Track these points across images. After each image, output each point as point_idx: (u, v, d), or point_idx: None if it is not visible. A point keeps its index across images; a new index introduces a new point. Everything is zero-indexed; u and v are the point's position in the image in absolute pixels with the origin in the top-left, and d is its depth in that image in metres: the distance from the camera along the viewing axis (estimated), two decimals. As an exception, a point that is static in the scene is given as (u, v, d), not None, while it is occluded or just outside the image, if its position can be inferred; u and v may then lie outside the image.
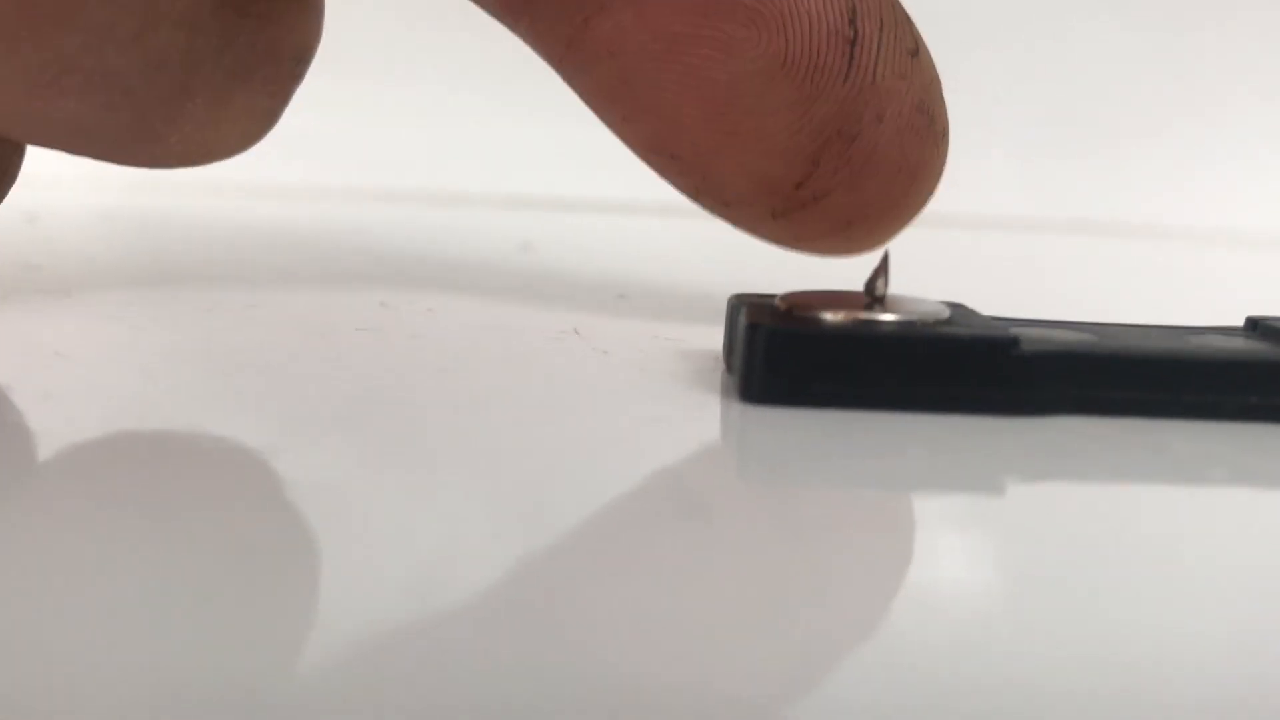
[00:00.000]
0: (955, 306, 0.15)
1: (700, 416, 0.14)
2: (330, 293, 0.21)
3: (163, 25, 0.15)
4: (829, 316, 0.14)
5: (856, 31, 0.16)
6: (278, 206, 0.35)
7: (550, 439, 0.13)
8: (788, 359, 0.14)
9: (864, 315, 0.14)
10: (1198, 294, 0.29)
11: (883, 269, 0.15)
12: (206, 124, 0.17)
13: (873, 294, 0.15)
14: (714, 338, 0.16)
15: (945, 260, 0.29)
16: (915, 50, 0.16)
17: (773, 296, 0.15)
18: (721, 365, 0.16)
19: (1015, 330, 0.15)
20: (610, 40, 0.16)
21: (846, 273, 0.18)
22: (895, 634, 0.09)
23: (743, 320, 0.14)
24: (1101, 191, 0.40)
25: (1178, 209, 0.40)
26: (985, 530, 0.12)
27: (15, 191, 0.17)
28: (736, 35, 0.16)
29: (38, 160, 0.17)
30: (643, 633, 0.09)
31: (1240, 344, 0.15)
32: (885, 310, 0.14)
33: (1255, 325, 0.16)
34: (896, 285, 0.15)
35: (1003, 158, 0.39)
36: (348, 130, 0.39)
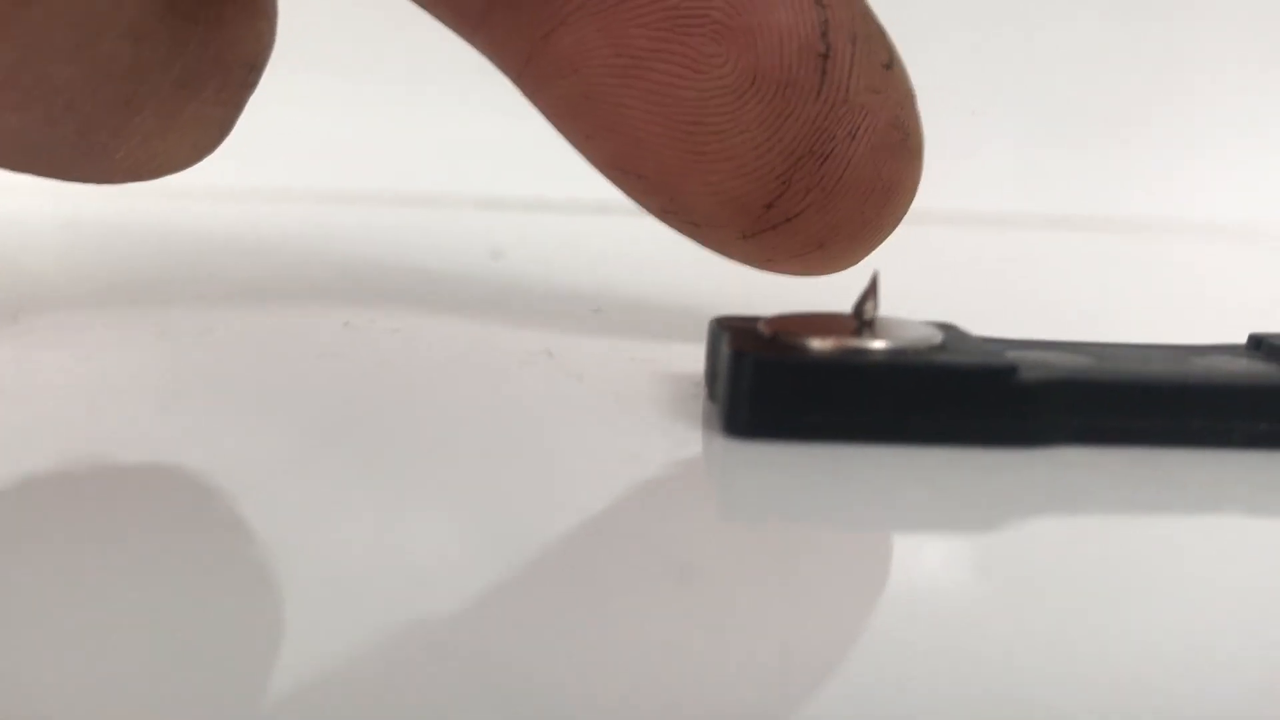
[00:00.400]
0: (947, 329, 0.15)
1: (682, 453, 0.13)
2: (291, 310, 0.20)
3: (106, 35, 0.14)
4: (817, 344, 0.13)
5: (829, 46, 0.15)
6: (241, 210, 0.34)
7: (522, 480, 0.12)
8: (774, 391, 0.13)
9: (853, 342, 0.13)
10: (1187, 290, 0.28)
11: (872, 291, 0.14)
12: (155, 136, 0.16)
13: (862, 318, 0.14)
14: (694, 358, 0.16)
15: (932, 258, 0.29)
16: (889, 64, 0.16)
17: (756, 319, 0.15)
18: (703, 391, 0.15)
19: (1011, 354, 0.14)
20: (572, 55, 0.15)
21: (832, 283, 0.17)
22: (893, 679, 0.08)
23: (726, 349, 0.13)
24: (1087, 186, 0.40)
25: (1161, 203, 0.39)
26: (986, 572, 0.11)
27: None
28: (704, 51, 0.15)
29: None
30: (618, 692, 0.08)
31: (1245, 365, 0.14)
32: (875, 335, 0.14)
33: (1259, 344, 0.15)
34: (883, 287, 0.14)
35: (989, 153, 0.39)
36: (312, 130, 0.38)
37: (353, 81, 0.38)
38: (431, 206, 0.38)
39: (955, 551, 0.12)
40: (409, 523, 0.11)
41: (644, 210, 0.17)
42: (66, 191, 0.17)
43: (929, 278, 0.25)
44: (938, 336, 0.14)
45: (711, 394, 0.15)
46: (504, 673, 0.08)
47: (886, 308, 0.14)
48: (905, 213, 0.17)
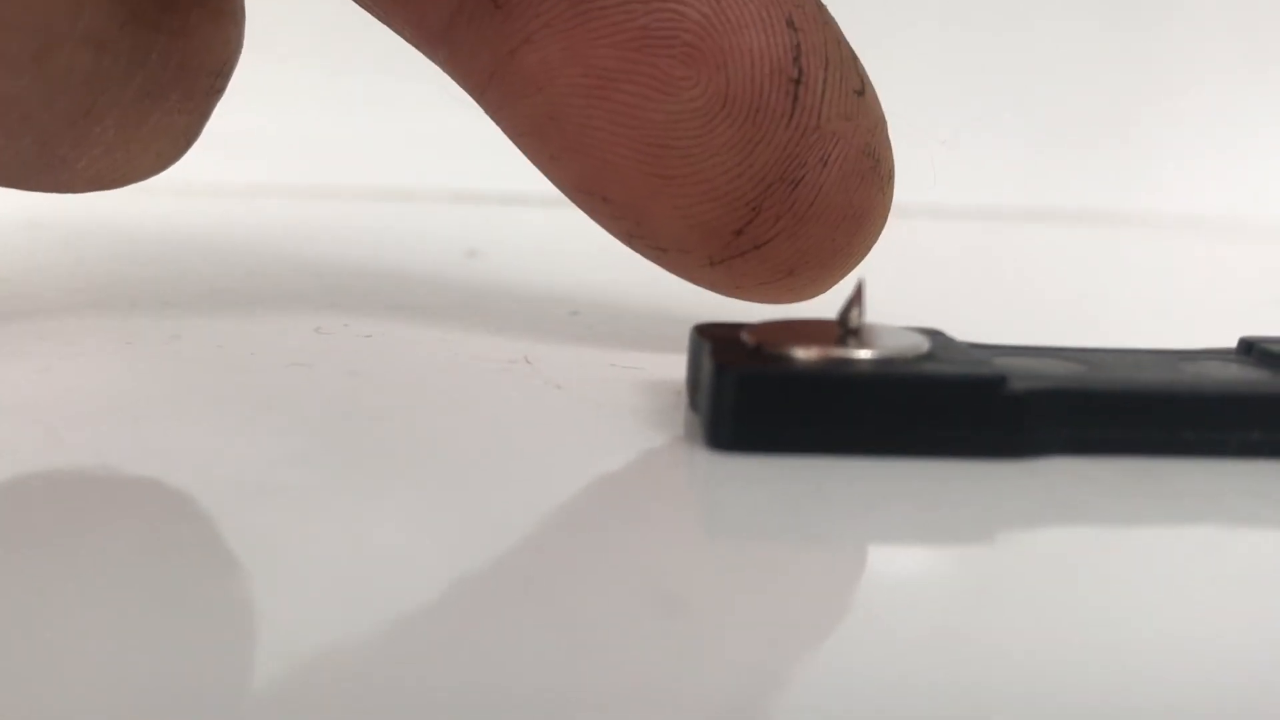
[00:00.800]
0: (933, 335, 0.14)
1: (665, 469, 0.13)
2: (261, 316, 0.19)
3: (64, 45, 0.14)
4: (801, 354, 0.13)
5: (801, 71, 0.14)
6: (210, 206, 0.34)
7: (498, 499, 0.12)
8: (759, 404, 0.13)
9: (838, 352, 0.13)
10: (1173, 283, 0.28)
11: (857, 298, 0.14)
12: (117, 147, 0.15)
13: (847, 325, 0.14)
14: (675, 365, 0.15)
15: (916, 253, 0.28)
16: (861, 90, 0.15)
17: (738, 327, 0.14)
18: (684, 399, 0.15)
19: (999, 361, 0.14)
20: (537, 74, 0.15)
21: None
22: (882, 692, 0.08)
23: (708, 361, 0.13)
24: (1071, 181, 0.40)
25: (1145, 197, 0.39)
26: (976, 586, 0.11)
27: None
28: (674, 73, 0.14)
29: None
30: (596, 708, 0.08)
31: (1236, 372, 0.14)
32: (861, 344, 0.13)
33: (1250, 348, 0.15)
34: (868, 292, 0.14)
35: (973, 148, 0.39)
36: (281, 125, 0.37)
37: (323, 75, 0.38)
38: (405, 201, 0.37)
39: (944, 565, 0.11)
40: (381, 536, 0.11)
41: (610, 235, 0.17)
42: (29, 193, 0.17)
43: (914, 273, 0.25)
44: (925, 344, 0.14)
45: (693, 403, 0.14)
46: (478, 687, 0.08)
47: (872, 303, 0.14)
48: (875, 240, 0.16)
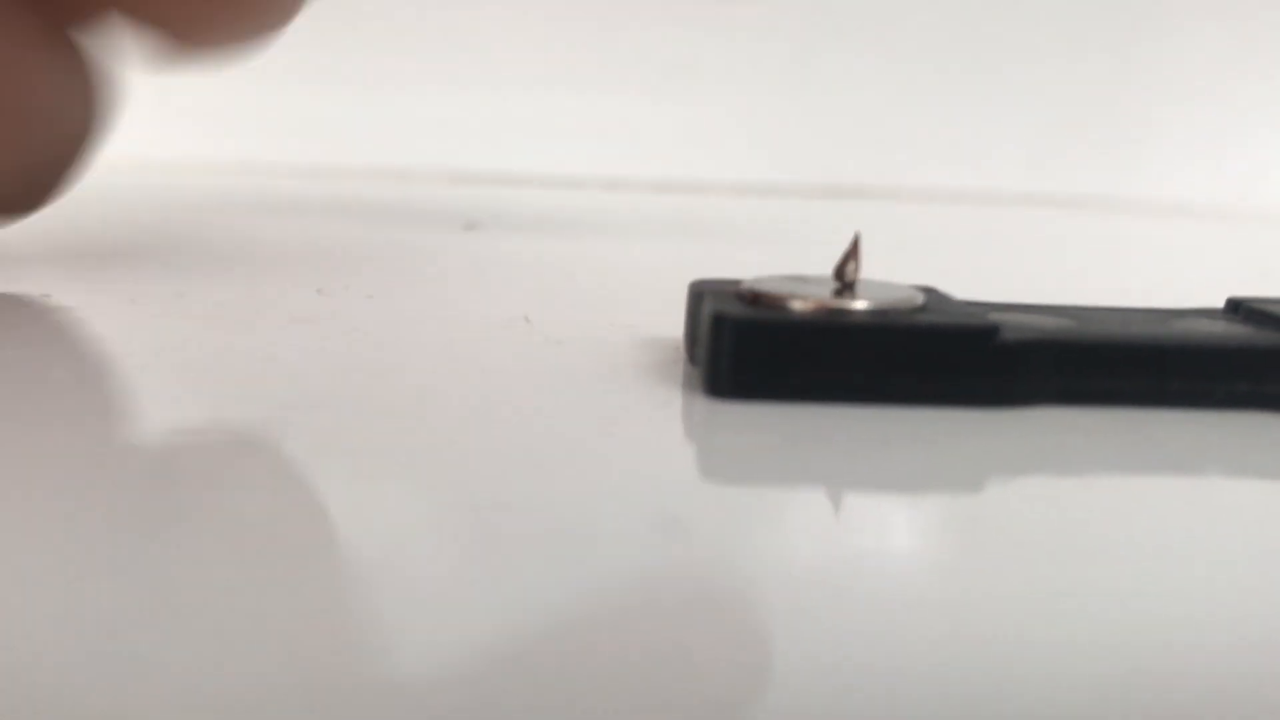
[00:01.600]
0: (928, 291, 0.15)
1: (665, 415, 0.13)
2: (264, 279, 0.20)
3: None
4: (798, 305, 0.13)
5: None
6: (213, 183, 0.34)
7: (501, 448, 0.12)
8: (756, 352, 0.13)
9: (835, 303, 0.13)
10: (1162, 265, 0.28)
11: (853, 252, 0.14)
12: None
13: (843, 279, 0.14)
14: (673, 324, 0.16)
15: (909, 234, 0.29)
16: None
17: (736, 282, 0.14)
18: (684, 355, 0.15)
19: (994, 316, 0.14)
20: None
21: (810, 252, 0.17)
22: (877, 638, 0.08)
23: (707, 310, 0.13)
24: (1060, 164, 0.40)
25: (1132, 182, 0.39)
26: (968, 532, 0.11)
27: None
28: None
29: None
30: (603, 665, 0.08)
31: (1224, 328, 0.14)
32: (856, 297, 0.14)
33: (1237, 307, 0.15)
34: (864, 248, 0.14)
35: (964, 131, 0.39)
36: (284, 103, 0.38)
37: (327, 53, 0.38)
38: (404, 180, 0.38)
39: (937, 511, 0.11)
40: (384, 490, 0.11)
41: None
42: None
43: (908, 252, 0.25)
44: (919, 298, 0.14)
45: (692, 358, 0.15)
46: (481, 643, 0.08)
47: (866, 274, 0.14)
48: None
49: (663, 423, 0.13)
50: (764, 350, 0.13)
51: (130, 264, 0.20)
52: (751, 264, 0.17)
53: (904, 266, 0.17)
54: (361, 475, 0.11)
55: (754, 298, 0.14)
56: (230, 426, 0.12)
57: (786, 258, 0.17)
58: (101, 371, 0.14)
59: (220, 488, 0.11)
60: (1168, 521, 0.11)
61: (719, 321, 0.13)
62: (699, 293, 0.14)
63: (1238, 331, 0.14)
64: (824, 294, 0.14)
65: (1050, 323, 0.14)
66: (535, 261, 0.22)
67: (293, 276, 0.20)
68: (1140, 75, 0.40)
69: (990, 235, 0.33)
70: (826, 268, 0.14)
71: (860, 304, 0.13)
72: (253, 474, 0.11)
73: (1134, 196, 0.39)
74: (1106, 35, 0.40)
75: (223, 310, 0.17)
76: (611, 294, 0.19)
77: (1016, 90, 0.39)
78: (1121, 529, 0.11)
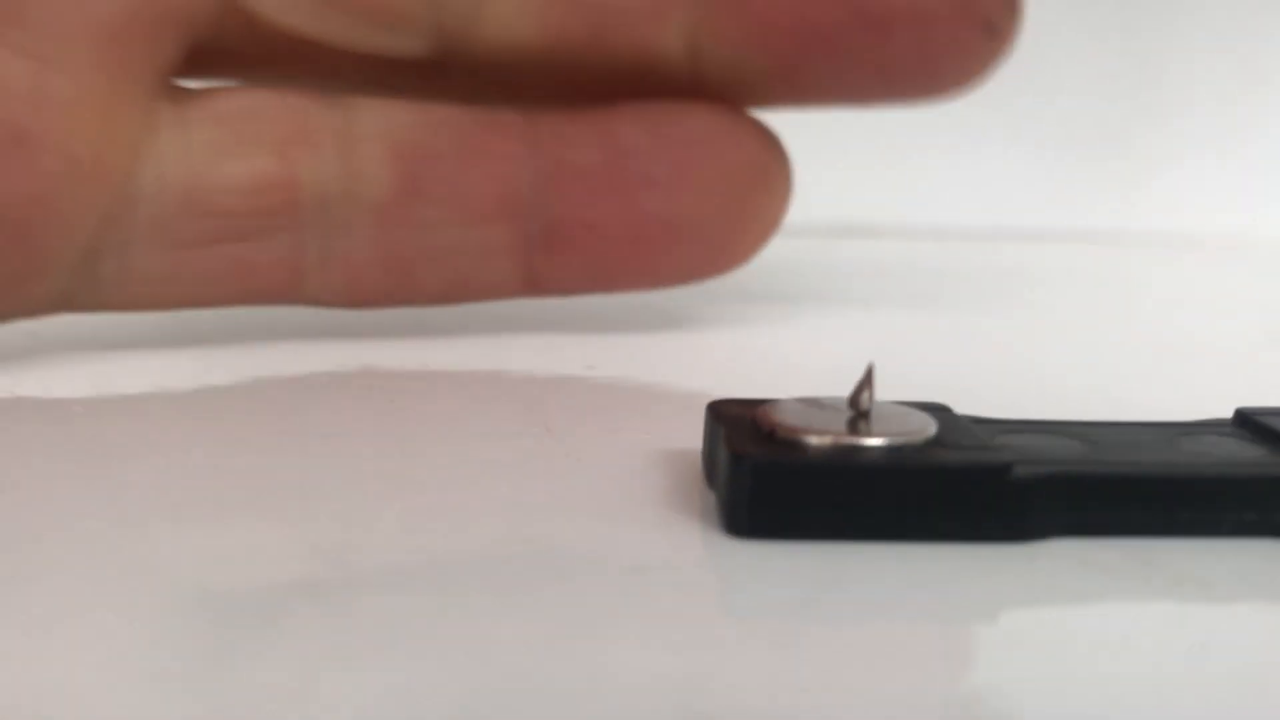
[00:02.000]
0: (938, 412, 0.15)
1: (685, 556, 0.14)
2: (275, 353, 0.20)
3: None
4: (814, 441, 0.14)
5: None
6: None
7: (518, 591, 0.13)
8: (774, 493, 0.13)
9: (850, 440, 0.14)
10: (1173, 296, 0.28)
11: (867, 381, 0.14)
12: None
13: (858, 408, 0.14)
14: (692, 431, 0.16)
15: (912, 273, 0.29)
16: None
17: (752, 404, 0.15)
18: (701, 474, 0.15)
19: (1003, 439, 0.14)
20: None
21: (816, 362, 0.17)
22: None
23: (724, 449, 0.14)
24: (1067, 199, 0.40)
25: (1142, 215, 0.40)
26: (988, 667, 0.11)
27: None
28: None
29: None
30: None
31: (1234, 449, 0.15)
32: (871, 428, 0.14)
33: (1245, 421, 0.15)
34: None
35: (968, 166, 0.39)
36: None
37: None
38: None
39: (955, 647, 0.12)
40: (390, 605, 0.11)
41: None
42: None
43: (917, 295, 0.26)
44: (932, 426, 0.14)
45: (709, 479, 0.15)
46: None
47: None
48: None
49: (682, 564, 0.13)
50: (782, 491, 0.13)
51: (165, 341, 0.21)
52: (762, 318, 0.17)
53: (915, 312, 0.18)
54: (361, 589, 0.12)
55: (771, 430, 0.14)
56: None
57: (796, 373, 0.17)
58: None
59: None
60: (1183, 657, 0.12)
61: (738, 462, 0.13)
62: (716, 422, 0.14)
63: (1245, 454, 0.14)
64: (839, 426, 0.14)
65: (1060, 448, 0.14)
66: (550, 345, 0.23)
67: (299, 351, 0.20)
68: (1151, 109, 0.40)
69: (999, 273, 0.34)
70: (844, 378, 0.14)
71: (875, 440, 0.14)
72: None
73: (1144, 230, 0.39)
74: (1118, 66, 0.40)
75: (258, 381, 0.18)
76: (628, 390, 0.19)
77: (1026, 125, 0.40)
78: (1139, 660, 0.11)
